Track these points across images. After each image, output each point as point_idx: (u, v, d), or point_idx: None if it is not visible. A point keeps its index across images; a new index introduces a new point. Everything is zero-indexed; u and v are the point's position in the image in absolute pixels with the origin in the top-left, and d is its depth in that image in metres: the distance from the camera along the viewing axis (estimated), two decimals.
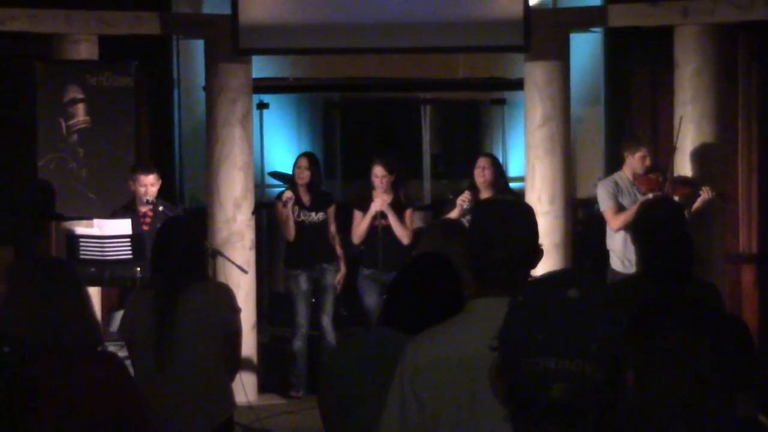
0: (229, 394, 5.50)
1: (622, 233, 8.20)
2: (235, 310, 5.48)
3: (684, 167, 9.12)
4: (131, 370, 5.09)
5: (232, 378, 5.55)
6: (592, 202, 9.50)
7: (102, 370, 3.82)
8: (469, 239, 3.36)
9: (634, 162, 8.55)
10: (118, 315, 7.46)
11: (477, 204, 8.44)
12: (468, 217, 8.25)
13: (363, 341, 4.50)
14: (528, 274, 3.20)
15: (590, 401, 1.82)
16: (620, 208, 8.46)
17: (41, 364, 3.46)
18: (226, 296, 5.49)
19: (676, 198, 8.31)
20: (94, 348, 4.04)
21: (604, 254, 8.60)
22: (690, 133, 9.15)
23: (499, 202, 7.32)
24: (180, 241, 5.47)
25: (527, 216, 3.28)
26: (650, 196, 7.97)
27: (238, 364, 5.70)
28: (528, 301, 1.92)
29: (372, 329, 4.16)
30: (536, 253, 3.19)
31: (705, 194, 8.46)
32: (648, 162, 8.60)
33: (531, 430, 1.86)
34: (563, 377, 1.81)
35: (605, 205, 8.56)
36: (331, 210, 9.27)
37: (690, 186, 8.59)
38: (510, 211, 3.43)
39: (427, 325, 3.23)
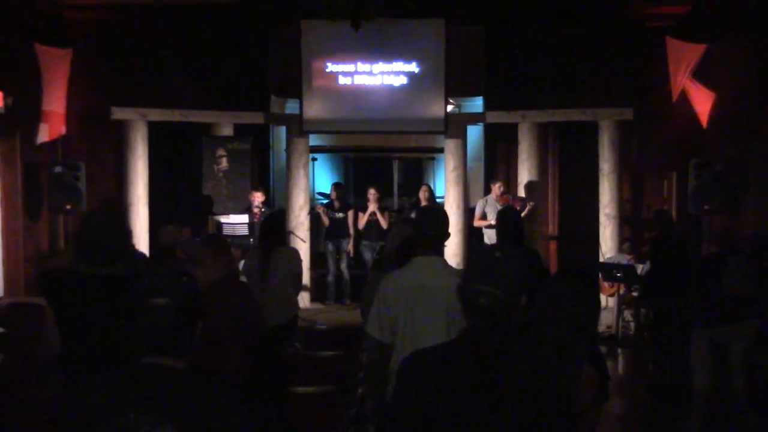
0: (296, 302, 5.47)
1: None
2: (300, 260, 5.48)
3: (521, 191, 9.14)
4: None
5: (297, 293, 5.55)
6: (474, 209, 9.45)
7: (242, 290, 3.71)
8: (415, 224, 3.25)
9: (495, 189, 8.61)
10: (241, 263, 7.57)
11: (418, 208, 8.48)
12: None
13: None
14: (443, 245, 3.15)
15: (499, 309, 1.80)
16: (483, 215, 8.48)
17: (214, 288, 3.33)
18: (295, 254, 5.50)
19: (518, 207, 8.44)
20: (236, 279, 3.99)
21: (482, 235, 8.63)
22: (525, 175, 9.21)
23: (430, 207, 7.38)
24: (273, 225, 5.46)
25: (443, 214, 3.28)
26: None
27: (300, 287, 5.74)
28: (475, 257, 1.94)
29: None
30: (447, 233, 3.17)
31: (529, 206, 8.52)
32: (502, 189, 8.61)
33: (470, 319, 1.85)
34: (485, 295, 1.80)
35: (476, 212, 8.64)
36: (350, 212, 9.00)
37: (521, 201, 8.54)
38: (434, 211, 3.47)
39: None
